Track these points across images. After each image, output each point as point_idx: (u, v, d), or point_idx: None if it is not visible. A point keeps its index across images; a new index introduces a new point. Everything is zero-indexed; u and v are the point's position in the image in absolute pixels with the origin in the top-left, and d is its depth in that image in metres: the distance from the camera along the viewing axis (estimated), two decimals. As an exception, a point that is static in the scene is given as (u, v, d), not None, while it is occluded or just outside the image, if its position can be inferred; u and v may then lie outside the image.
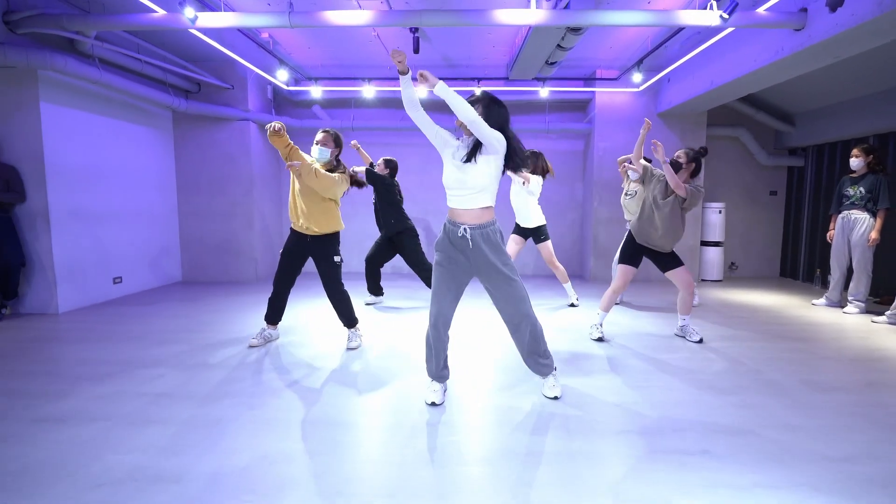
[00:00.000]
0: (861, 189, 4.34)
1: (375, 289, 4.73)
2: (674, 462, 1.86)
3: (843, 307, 4.54)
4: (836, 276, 4.64)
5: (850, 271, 4.54)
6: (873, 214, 4.29)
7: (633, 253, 3.45)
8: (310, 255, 3.17)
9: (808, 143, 6.03)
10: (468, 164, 2.16)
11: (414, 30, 4.38)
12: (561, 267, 4.58)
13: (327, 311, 4.02)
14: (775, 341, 3.49)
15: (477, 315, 4.17)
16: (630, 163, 3.88)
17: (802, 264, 6.29)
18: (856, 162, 4.39)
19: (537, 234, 4.48)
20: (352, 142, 4.44)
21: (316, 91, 5.86)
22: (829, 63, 3.78)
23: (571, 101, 6.47)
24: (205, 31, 4.23)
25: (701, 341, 3.44)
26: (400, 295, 5.14)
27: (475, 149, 2.16)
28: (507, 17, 3.45)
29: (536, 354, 2.40)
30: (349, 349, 3.26)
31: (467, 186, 2.17)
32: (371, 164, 4.54)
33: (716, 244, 6.19)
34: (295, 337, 3.53)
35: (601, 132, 6.07)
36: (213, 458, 1.86)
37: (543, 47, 4.32)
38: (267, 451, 1.92)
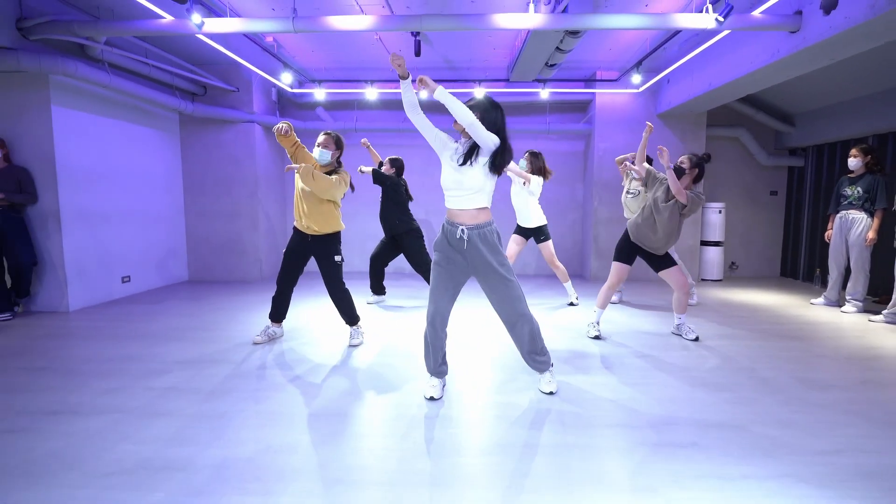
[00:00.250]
0: (859, 189, 4.37)
1: (378, 288, 4.79)
2: (664, 454, 1.91)
3: (841, 306, 4.56)
4: (833, 275, 4.67)
5: (847, 271, 4.56)
6: (871, 214, 4.31)
7: (627, 251, 3.50)
8: (311, 254, 3.24)
9: (807, 144, 6.04)
10: (465, 166, 2.22)
11: (415, 33, 4.46)
12: (561, 266, 4.63)
13: (330, 309, 4.09)
14: (772, 340, 3.53)
15: (475, 314, 4.23)
16: (632, 162, 3.93)
17: (802, 264, 6.31)
18: (854, 162, 4.41)
19: (538, 234, 4.54)
20: (362, 140, 4.54)
21: (319, 93, 5.94)
22: (825, 64, 3.82)
23: (572, 103, 6.51)
24: (211, 36, 4.32)
25: (697, 339, 3.48)
26: (402, 294, 5.21)
27: (472, 151, 2.22)
28: (506, 21, 3.51)
29: (534, 352, 2.45)
30: (351, 346, 3.32)
31: (464, 187, 2.24)
32: (380, 164, 4.60)
33: (716, 244, 6.21)
34: (298, 334, 3.60)
35: (601, 133, 6.11)
36: (218, 448, 1.93)
37: (542, 50, 4.38)
38: (271, 442, 1.99)
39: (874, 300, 4.84)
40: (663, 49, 4.97)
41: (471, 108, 2.21)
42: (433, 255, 2.41)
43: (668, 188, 3.33)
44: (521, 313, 2.37)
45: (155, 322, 3.95)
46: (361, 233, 6.76)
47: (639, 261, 3.62)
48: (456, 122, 2.19)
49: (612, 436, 2.06)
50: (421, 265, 4.53)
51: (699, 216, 6.18)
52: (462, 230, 2.27)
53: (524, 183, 4.33)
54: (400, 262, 6.21)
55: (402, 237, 4.54)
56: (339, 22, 3.54)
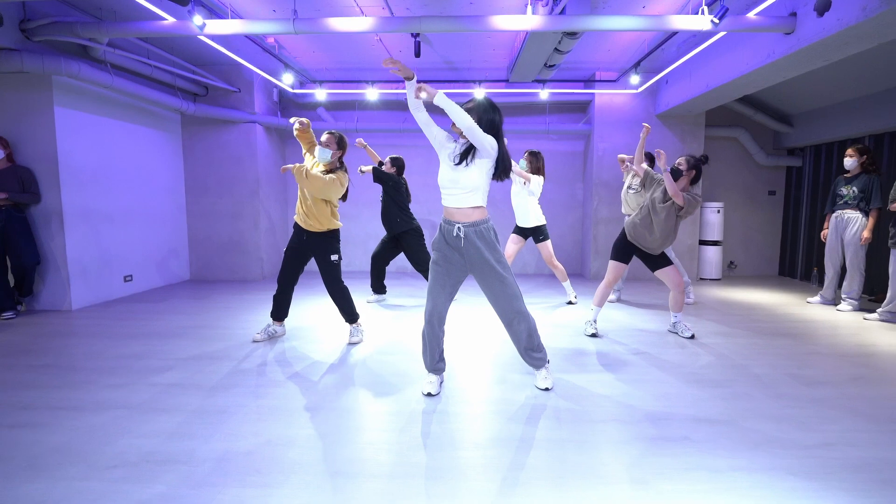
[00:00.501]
0: (854, 189, 4.40)
1: (378, 287, 4.83)
2: (657, 448, 1.95)
3: (836, 305, 4.60)
4: (829, 274, 4.70)
5: (843, 270, 4.59)
6: (866, 214, 4.35)
7: (624, 250, 3.54)
8: (310, 252, 3.28)
9: (805, 144, 6.07)
10: (461, 165, 2.27)
11: (415, 35, 4.50)
12: (560, 266, 4.67)
13: (331, 308, 4.13)
14: (767, 337, 3.57)
15: (473, 311, 4.27)
16: (632, 163, 3.98)
17: (800, 263, 6.34)
18: (850, 162, 4.45)
19: (537, 234, 4.57)
20: (357, 140, 4.53)
21: (320, 94, 5.98)
22: (820, 65, 3.85)
23: (571, 103, 6.55)
24: (212, 37, 4.37)
25: (693, 337, 3.52)
26: (402, 293, 5.25)
27: (468, 152, 2.27)
28: (505, 22, 3.54)
29: (531, 349, 2.49)
30: (350, 344, 3.36)
31: (459, 186, 2.28)
32: (380, 163, 4.64)
33: (715, 243, 6.25)
34: (299, 332, 3.64)
35: (601, 133, 6.15)
36: (219, 442, 1.97)
37: (541, 51, 4.41)
38: (270, 436, 2.03)
39: (870, 298, 4.88)
40: (661, 50, 5.00)
41: (470, 109, 2.27)
42: (431, 254, 2.45)
43: (665, 189, 3.36)
44: (518, 310, 2.41)
45: (157, 320, 4.00)
46: (363, 232, 6.80)
47: (636, 260, 3.66)
48: (454, 124, 2.24)
49: (607, 430, 2.10)
50: (421, 264, 4.57)
51: (697, 216, 6.22)
52: (459, 228, 2.32)
53: (524, 183, 4.37)
54: (401, 261, 6.26)
55: (402, 236, 4.58)
56: (339, 23, 3.58)
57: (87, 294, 4.52)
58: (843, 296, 4.52)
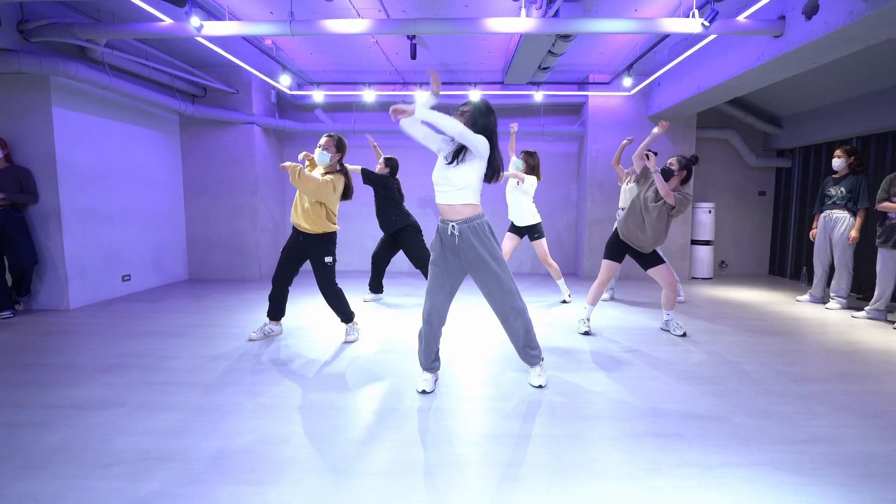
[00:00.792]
0: (842, 189, 4.42)
1: (376, 286, 4.82)
2: (647, 444, 1.94)
3: (825, 303, 4.62)
4: (818, 273, 4.72)
5: (832, 269, 4.62)
6: (854, 214, 4.37)
7: (616, 249, 3.55)
8: (305, 252, 3.26)
9: (794, 145, 6.10)
10: (453, 164, 2.27)
11: (411, 37, 4.50)
12: (555, 264, 4.67)
13: (327, 307, 4.11)
14: (757, 335, 3.58)
15: (468, 309, 4.26)
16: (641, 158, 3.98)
17: (790, 262, 6.37)
18: (838, 162, 4.47)
19: (531, 233, 4.57)
20: (367, 135, 4.85)
21: (318, 95, 5.96)
22: (808, 68, 3.86)
23: (565, 105, 6.55)
24: (210, 38, 4.34)
25: (684, 335, 3.52)
26: (400, 292, 5.23)
27: (460, 151, 2.27)
28: (499, 25, 3.54)
29: (527, 346, 2.49)
30: (346, 342, 3.35)
31: (450, 183, 2.29)
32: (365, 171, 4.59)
33: (706, 243, 6.26)
34: (295, 331, 3.63)
35: (594, 134, 6.16)
36: (214, 440, 1.95)
37: (535, 53, 4.41)
38: (266, 434, 2.01)
39: (858, 297, 4.90)
40: (654, 53, 5.01)
41: (465, 112, 2.30)
42: (431, 254, 2.45)
43: (657, 189, 3.37)
44: (514, 307, 2.40)
45: (155, 319, 3.97)
46: (361, 232, 6.78)
47: (629, 260, 3.66)
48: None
49: (600, 427, 2.10)
50: (420, 260, 4.56)
51: (689, 216, 6.23)
52: (453, 226, 2.32)
53: (518, 182, 4.37)
54: (398, 262, 6.24)
55: (399, 233, 4.57)
56: (335, 25, 3.56)
57: (86, 294, 4.48)
58: (831, 294, 4.54)
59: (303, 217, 3.17)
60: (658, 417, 2.19)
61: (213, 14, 3.87)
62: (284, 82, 5.63)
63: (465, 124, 2.24)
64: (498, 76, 6.06)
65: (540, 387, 2.53)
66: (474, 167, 2.28)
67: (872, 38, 3.16)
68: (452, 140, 2.37)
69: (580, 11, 3.68)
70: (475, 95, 5.83)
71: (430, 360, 2.49)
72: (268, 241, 6.26)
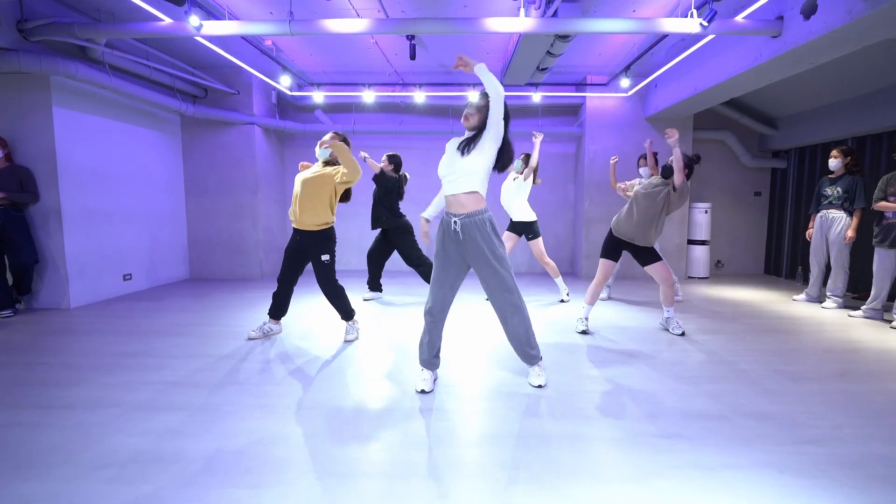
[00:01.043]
0: (838, 189, 4.37)
1: (374, 284, 4.76)
2: (648, 444, 1.89)
3: (821, 302, 4.57)
4: (814, 272, 4.67)
5: (828, 268, 4.57)
6: (850, 214, 4.32)
7: (612, 247, 3.52)
8: (305, 250, 3.20)
9: (790, 146, 6.05)
10: (461, 154, 2.29)
11: (410, 37, 4.43)
12: (551, 263, 4.61)
13: (328, 306, 4.06)
14: (755, 335, 3.53)
15: (468, 308, 4.21)
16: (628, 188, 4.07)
17: (785, 262, 6.32)
18: (834, 163, 4.42)
19: (527, 232, 4.51)
20: (361, 153, 4.60)
21: (318, 96, 5.90)
22: (806, 68, 3.81)
23: (563, 106, 6.50)
24: (210, 38, 4.28)
25: (683, 334, 3.47)
26: (399, 291, 5.18)
27: (471, 141, 2.29)
28: (497, 24, 3.48)
29: (526, 345, 2.44)
30: (346, 342, 3.29)
31: (455, 171, 2.29)
32: (381, 172, 4.54)
33: (702, 242, 6.22)
34: (295, 330, 3.57)
35: (592, 135, 6.10)
36: (211, 441, 1.90)
37: (534, 54, 4.35)
38: (263, 434, 1.96)
39: (853, 296, 4.85)
40: (651, 54, 4.96)
41: (482, 95, 2.34)
42: (434, 247, 2.41)
43: (656, 191, 3.35)
44: (513, 304, 2.36)
45: (155, 318, 3.91)
46: (361, 232, 6.72)
47: (629, 261, 3.62)
48: (465, 117, 2.32)
49: (600, 427, 2.04)
50: (412, 260, 4.51)
51: (686, 216, 6.18)
52: (455, 221, 2.29)
53: (514, 178, 4.37)
54: (398, 261, 6.18)
55: (390, 233, 4.53)
56: (334, 25, 3.50)
57: (86, 293, 4.42)
58: (827, 293, 4.49)
59: (302, 211, 3.09)
60: (658, 417, 2.13)
61: (212, 14, 3.81)
62: (284, 83, 5.57)
63: (482, 118, 2.30)
64: (497, 77, 6.00)
65: (539, 386, 2.47)
66: (484, 153, 2.27)
67: (871, 38, 3.11)
68: (464, 132, 2.40)
69: (579, 12, 3.62)
70: (473, 96, 5.77)
71: (430, 356, 2.43)
72: (268, 240, 6.20)
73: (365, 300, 4.68)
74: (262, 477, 1.66)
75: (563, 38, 3.89)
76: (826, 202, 4.47)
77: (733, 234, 6.69)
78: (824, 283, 4.67)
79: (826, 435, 1.98)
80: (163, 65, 4.89)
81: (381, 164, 4.59)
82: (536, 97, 5.89)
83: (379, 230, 4.68)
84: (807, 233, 4.69)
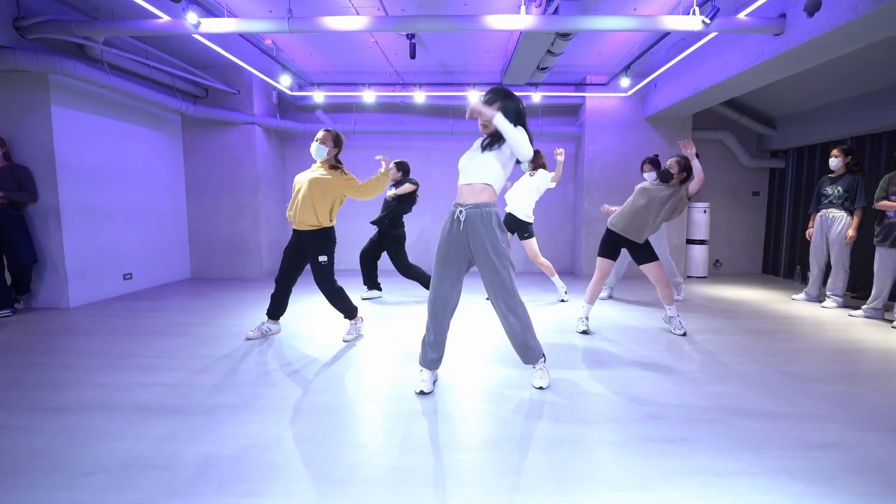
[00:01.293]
0: (839, 188, 4.28)
1: (371, 283, 4.68)
2: (654, 449, 1.80)
3: (821, 302, 4.48)
4: (814, 272, 4.58)
5: (828, 267, 4.48)
6: (850, 213, 4.23)
7: (609, 245, 3.45)
8: (303, 250, 3.11)
9: (788, 146, 5.97)
10: (482, 151, 2.27)
11: (410, 36, 4.34)
12: (546, 262, 4.49)
13: (327, 306, 3.97)
14: (756, 334, 3.44)
15: (469, 308, 4.12)
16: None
17: (783, 261, 6.23)
18: (835, 162, 4.33)
19: (521, 231, 4.37)
20: (382, 163, 4.38)
21: (318, 96, 5.81)
22: (807, 67, 3.72)
23: (563, 106, 6.41)
24: (209, 36, 4.19)
25: (685, 334, 3.38)
26: (399, 291, 5.08)
27: (493, 143, 2.27)
28: (498, 22, 3.39)
29: (524, 345, 2.35)
30: (345, 341, 3.20)
31: (475, 164, 2.26)
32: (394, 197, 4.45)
33: (701, 242, 6.13)
34: (294, 330, 3.48)
35: (591, 135, 6.01)
36: (204, 446, 1.81)
37: (534, 52, 4.26)
38: (258, 439, 1.87)
39: (853, 296, 4.76)
40: (651, 54, 4.87)
41: (491, 102, 2.25)
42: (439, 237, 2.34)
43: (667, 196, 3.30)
44: (511, 305, 2.27)
45: (155, 318, 3.82)
46: (359, 232, 6.62)
47: (627, 258, 3.54)
48: (482, 125, 2.27)
49: (604, 431, 1.95)
50: (403, 269, 4.47)
51: (685, 216, 6.10)
52: (461, 211, 2.23)
53: (531, 174, 4.26)
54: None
55: (383, 238, 4.48)
56: (333, 22, 3.41)
57: (86, 292, 4.33)
58: (827, 293, 4.41)
59: (303, 210, 3.00)
60: (663, 420, 2.04)
61: (212, 12, 3.72)
62: (285, 83, 5.47)
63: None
64: (496, 77, 5.91)
65: (541, 388, 2.38)
66: (503, 153, 2.24)
67: (875, 36, 3.02)
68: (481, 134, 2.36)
69: (579, 9, 3.53)
70: (473, 97, 5.69)
71: (433, 355, 2.34)
72: (269, 239, 6.11)
73: (363, 299, 4.59)
74: (256, 484, 1.57)
75: (564, 36, 3.80)
76: (826, 201, 4.38)
77: (732, 234, 6.60)
78: (824, 283, 4.58)
79: (837, 439, 1.89)
80: (163, 64, 4.79)
81: (391, 174, 4.51)
82: (536, 97, 5.79)
83: (375, 230, 4.59)
84: (807, 232, 4.59)
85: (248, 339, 3.21)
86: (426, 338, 2.35)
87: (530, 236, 4.39)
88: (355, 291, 4.73)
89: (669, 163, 3.36)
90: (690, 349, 3.07)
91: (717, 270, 6.62)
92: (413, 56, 4.29)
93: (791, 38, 3.32)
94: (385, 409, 2.16)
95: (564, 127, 6.31)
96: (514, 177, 4.54)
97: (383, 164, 3.14)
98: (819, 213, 4.44)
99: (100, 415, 2.07)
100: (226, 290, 5.10)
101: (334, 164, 3.09)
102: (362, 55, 5.12)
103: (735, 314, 4.09)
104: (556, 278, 4.59)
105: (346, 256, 6.64)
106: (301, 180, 3.06)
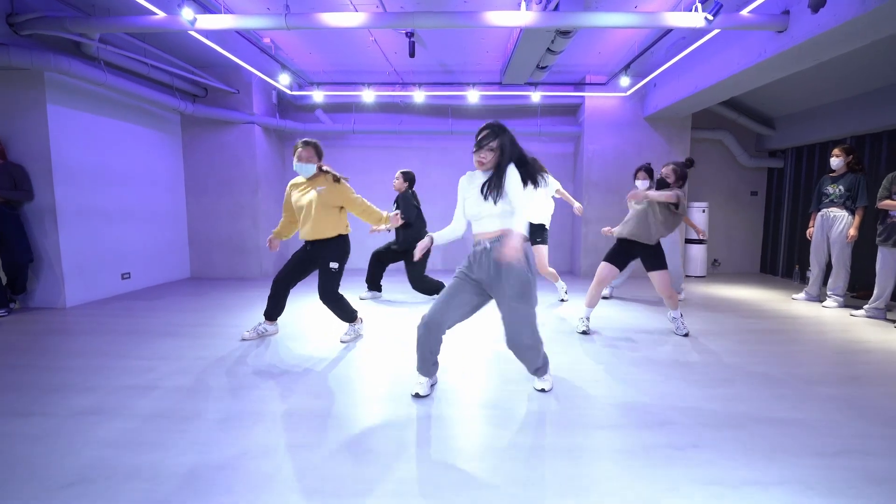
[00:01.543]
0: (840, 187, 4.17)
1: (373, 284, 4.56)
2: (662, 457, 1.69)
3: (821, 301, 4.37)
4: (815, 271, 4.47)
5: (828, 267, 4.37)
6: (852, 212, 4.12)
7: (618, 254, 3.33)
8: (315, 259, 2.98)
9: (787, 146, 5.86)
10: (486, 199, 2.04)
11: (409, 34, 4.22)
12: (552, 270, 4.30)
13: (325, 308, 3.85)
14: (759, 335, 3.33)
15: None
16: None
17: (782, 260, 6.12)
18: (836, 161, 4.22)
19: (535, 235, 4.19)
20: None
21: (318, 95, 5.69)
22: (809, 65, 3.60)
23: (562, 105, 6.29)
24: (207, 34, 4.07)
25: (687, 335, 3.27)
26: (399, 291, 4.97)
27: (494, 188, 2.02)
28: (498, 18, 3.28)
29: (537, 369, 2.26)
30: (342, 341, 3.09)
31: (485, 212, 2.06)
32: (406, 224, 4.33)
33: (700, 241, 6.02)
34: (291, 332, 3.36)
35: (590, 135, 5.90)
36: (190, 454, 1.69)
37: (534, 51, 4.15)
38: (248, 446, 1.75)
39: (853, 295, 4.65)
40: (650, 53, 4.76)
41: (483, 139, 2.04)
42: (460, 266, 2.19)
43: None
44: (524, 343, 2.10)
45: (152, 318, 3.70)
46: (363, 232, 6.49)
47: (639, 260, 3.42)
48: (478, 162, 2.06)
49: (610, 438, 1.84)
50: (416, 281, 4.33)
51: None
52: (486, 243, 2.07)
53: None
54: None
55: (405, 252, 4.38)
56: (331, 19, 3.30)
57: (83, 292, 4.21)
58: (828, 292, 4.30)
59: (316, 222, 2.88)
60: (671, 426, 1.93)
61: (208, 9, 3.60)
62: (284, 82, 5.36)
63: (497, 157, 2.05)
64: (496, 76, 5.79)
65: (543, 391, 2.27)
66: (513, 196, 2.01)
67: (882, 32, 2.91)
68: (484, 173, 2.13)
69: (580, 6, 3.41)
70: (473, 96, 5.57)
71: (426, 365, 2.22)
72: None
73: (361, 299, 4.48)
74: (242, 496, 1.46)
75: (565, 33, 3.68)
76: (827, 200, 4.27)
77: (730, 233, 6.49)
78: (824, 283, 4.47)
79: (852, 445, 1.78)
80: (162, 63, 4.67)
81: (395, 183, 4.41)
82: (535, 97, 5.68)
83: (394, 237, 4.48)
84: (807, 231, 4.48)
85: (243, 339, 3.09)
86: (417, 349, 2.17)
87: (543, 242, 4.17)
88: (354, 292, 4.62)
89: (665, 171, 3.28)
90: (694, 351, 2.96)
91: (716, 270, 6.51)
92: (412, 55, 4.17)
93: (795, 36, 3.21)
94: (380, 414, 2.04)
95: (564, 127, 6.19)
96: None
97: (396, 217, 3.00)
98: (820, 213, 4.33)
99: (84, 420, 1.95)
100: (225, 289, 4.99)
101: (323, 171, 2.96)
102: (362, 54, 5.01)
103: (736, 314, 3.97)
104: (559, 283, 4.45)
105: (348, 256, 6.51)
106: (300, 196, 2.93)
